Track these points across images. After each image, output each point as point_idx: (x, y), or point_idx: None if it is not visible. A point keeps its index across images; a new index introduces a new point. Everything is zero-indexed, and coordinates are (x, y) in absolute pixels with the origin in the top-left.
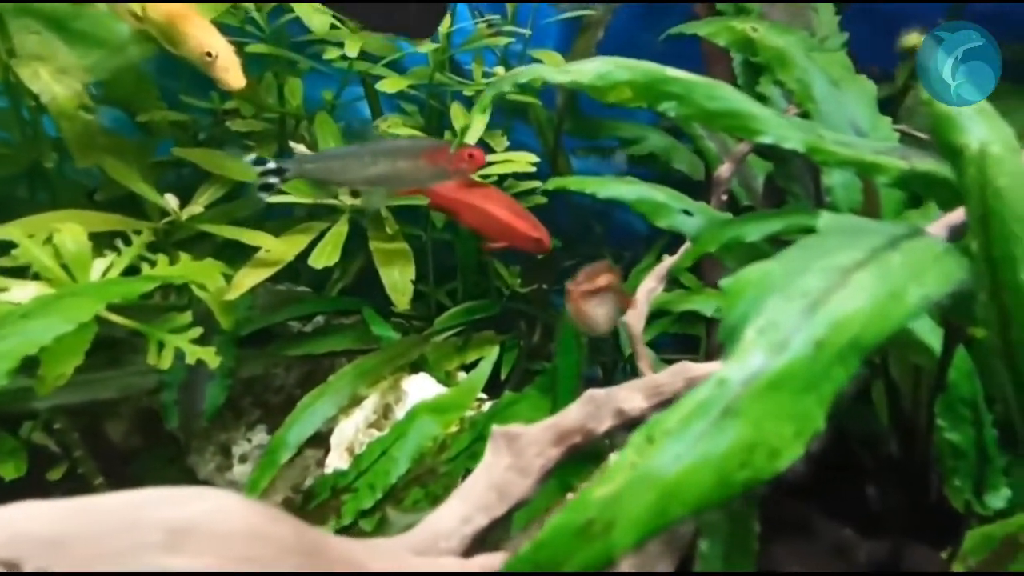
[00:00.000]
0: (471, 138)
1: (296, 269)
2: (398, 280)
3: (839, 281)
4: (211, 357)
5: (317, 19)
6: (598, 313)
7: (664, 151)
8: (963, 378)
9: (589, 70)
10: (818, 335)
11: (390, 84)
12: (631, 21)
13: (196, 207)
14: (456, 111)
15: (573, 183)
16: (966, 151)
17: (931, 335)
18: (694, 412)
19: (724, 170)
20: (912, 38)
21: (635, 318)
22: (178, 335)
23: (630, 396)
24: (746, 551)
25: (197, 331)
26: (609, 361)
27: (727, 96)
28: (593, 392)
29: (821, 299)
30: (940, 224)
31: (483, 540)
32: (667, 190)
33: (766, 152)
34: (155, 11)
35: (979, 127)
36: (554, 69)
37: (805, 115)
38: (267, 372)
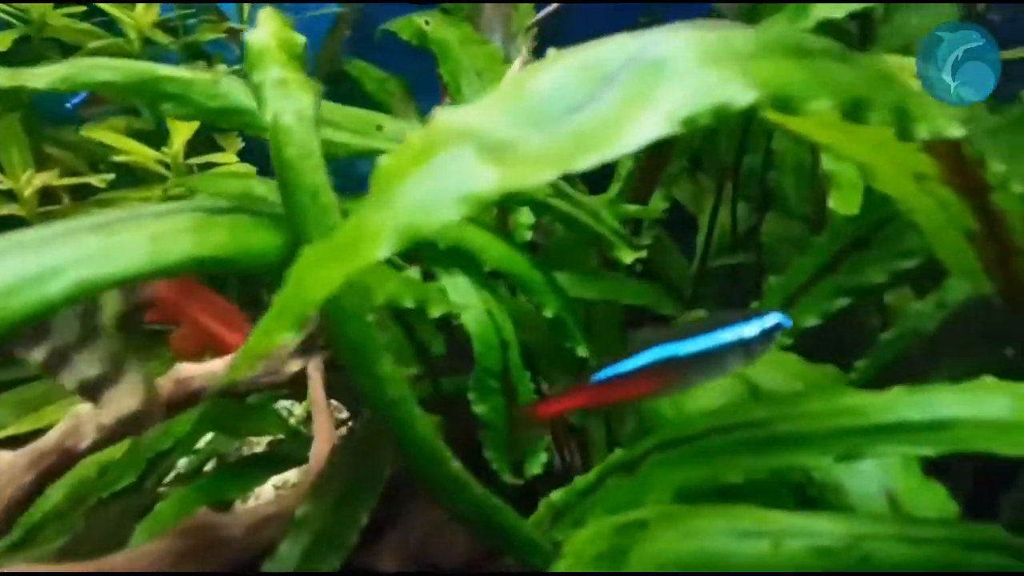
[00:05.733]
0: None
1: None
2: None
3: None
4: None
5: None
6: None
7: None
8: (489, 350)
9: (44, 75)
10: None
11: None
12: None
13: None
14: None
15: None
16: (267, 123)
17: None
18: None
19: None
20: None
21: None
22: None
23: (120, 406)
24: (336, 547)
25: None
26: None
27: (229, 94)
28: (79, 408)
29: None
30: None
31: None
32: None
33: None
34: None
35: (276, 98)
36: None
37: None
38: None
